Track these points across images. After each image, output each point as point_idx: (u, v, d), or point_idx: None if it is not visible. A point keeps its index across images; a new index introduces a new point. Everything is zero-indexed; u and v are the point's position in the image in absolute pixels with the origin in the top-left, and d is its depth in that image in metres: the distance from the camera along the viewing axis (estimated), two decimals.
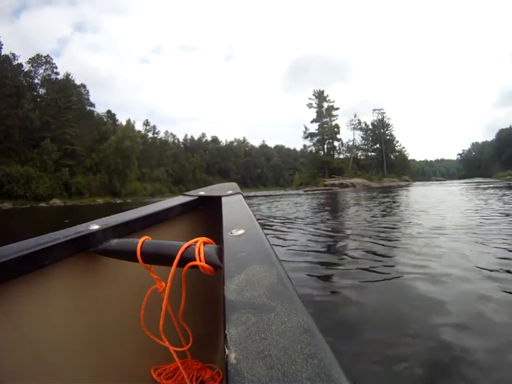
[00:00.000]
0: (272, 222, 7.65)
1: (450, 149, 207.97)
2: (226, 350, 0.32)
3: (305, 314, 0.36)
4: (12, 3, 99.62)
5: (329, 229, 5.91)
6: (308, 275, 3.01)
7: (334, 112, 70.66)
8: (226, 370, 0.30)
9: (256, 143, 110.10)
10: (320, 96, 70.95)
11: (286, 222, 7.45)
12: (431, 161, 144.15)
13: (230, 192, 1.44)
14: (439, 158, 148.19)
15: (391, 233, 5.10)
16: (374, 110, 76.60)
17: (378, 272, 2.97)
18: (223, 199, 1.28)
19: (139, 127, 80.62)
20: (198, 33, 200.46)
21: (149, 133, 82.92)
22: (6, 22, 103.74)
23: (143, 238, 0.79)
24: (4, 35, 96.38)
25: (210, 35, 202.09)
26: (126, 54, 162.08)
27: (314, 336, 0.33)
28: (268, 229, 6.19)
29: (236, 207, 1.11)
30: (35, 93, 58.28)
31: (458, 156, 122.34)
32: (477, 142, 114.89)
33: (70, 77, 62.14)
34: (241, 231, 0.69)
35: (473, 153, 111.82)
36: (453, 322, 1.92)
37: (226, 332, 0.35)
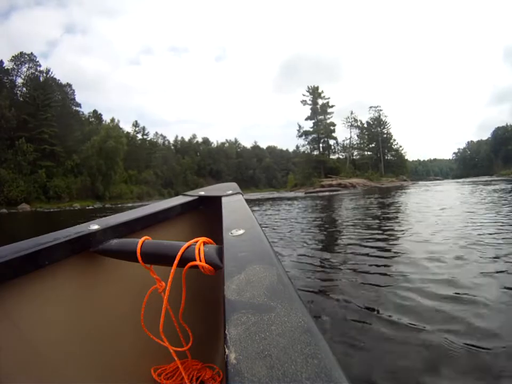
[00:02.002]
0: None
1: (442, 149, 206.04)
2: (226, 350, 0.32)
3: (305, 314, 0.36)
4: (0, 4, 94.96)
5: None
6: None
7: (329, 110, 67.15)
8: (226, 370, 0.30)
9: (248, 144, 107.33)
10: (314, 92, 67.28)
11: None
12: (423, 161, 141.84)
13: (230, 192, 1.43)
14: (432, 158, 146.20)
15: None
16: (371, 107, 72.80)
17: None
18: (223, 199, 1.28)
19: (128, 128, 77.87)
20: (189, 34, 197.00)
21: (138, 134, 79.96)
22: None
23: (143, 238, 0.79)
24: None
25: (201, 35, 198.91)
26: (116, 56, 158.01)
27: (314, 336, 0.32)
28: None
29: (236, 207, 1.12)
30: (18, 91, 54.31)
31: (454, 155, 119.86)
32: (472, 141, 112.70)
33: (50, 73, 58.37)
34: (241, 231, 0.69)
35: (469, 152, 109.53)
36: None
37: (226, 332, 0.35)
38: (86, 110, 79.23)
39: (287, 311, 0.37)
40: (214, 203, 1.31)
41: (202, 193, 1.48)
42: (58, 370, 0.77)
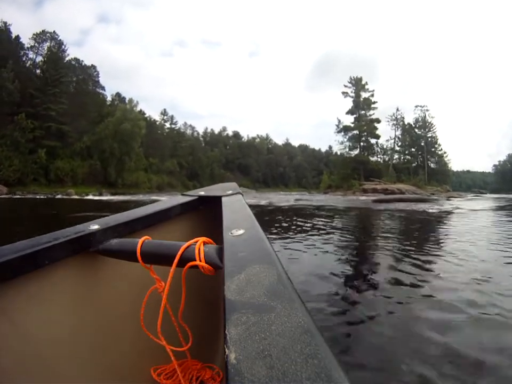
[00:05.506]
0: None
1: (475, 161, 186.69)
2: (226, 350, 0.30)
3: (305, 314, 0.35)
4: None
5: None
6: None
7: (372, 106, 54.91)
8: (226, 370, 0.28)
9: (279, 141, 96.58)
10: (357, 83, 55.14)
11: None
12: (457, 171, 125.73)
13: (230, 192, 1.37)
14: (465, 169, 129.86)
15: None
16: (416, 106, 59.46)
17: None
18: (223, 199, 1.23)
19: (156, 116, 69.74)
20: (222, 28, 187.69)
21: (166, 123, 71.21)
22: (29, 11, 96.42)
23: (143, 238, 0.75)
24: (27, 25, 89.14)
25: (235, 30, 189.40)
26: (149, 46, 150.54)
27: (314, 336, 0.31)
28: None
29: (236, 207, 1.08)
30: (37, 69, 45.69)
31: (494, 167, 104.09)
32: None
33: (64, 47, 49.88)
34: (241, 231, 0.66)
35: (509, 165, 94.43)
36: None
37: (226, 332, 0.33)
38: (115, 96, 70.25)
39: (287, 311, 0.35)
40: (214, 203, 1.25)
41: (202, 193, 1.40)
42: (58, 370, 0.74)
